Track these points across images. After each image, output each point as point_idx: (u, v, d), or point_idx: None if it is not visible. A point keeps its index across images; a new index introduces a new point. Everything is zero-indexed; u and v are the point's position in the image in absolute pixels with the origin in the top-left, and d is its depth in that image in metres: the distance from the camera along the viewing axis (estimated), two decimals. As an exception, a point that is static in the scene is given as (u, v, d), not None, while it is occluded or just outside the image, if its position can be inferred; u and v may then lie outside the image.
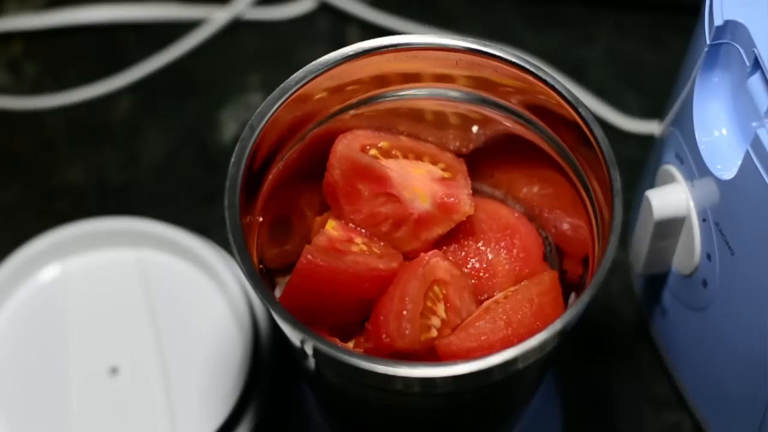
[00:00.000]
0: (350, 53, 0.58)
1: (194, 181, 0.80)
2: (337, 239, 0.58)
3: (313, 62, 0.57)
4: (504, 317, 0.55)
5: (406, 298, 0.55)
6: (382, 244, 0.59)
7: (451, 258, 0.59)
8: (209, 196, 0.79)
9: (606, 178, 0.54)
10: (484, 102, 0.59)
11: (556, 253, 0.61)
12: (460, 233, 0.59)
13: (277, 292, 0.58)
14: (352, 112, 0.60)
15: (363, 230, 0.59)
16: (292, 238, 0.60)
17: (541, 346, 0.51)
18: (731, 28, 0.59)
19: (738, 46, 0.59)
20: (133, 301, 0.72)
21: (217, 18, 0.85)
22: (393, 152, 0.60)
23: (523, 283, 0.58)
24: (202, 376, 0.69)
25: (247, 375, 0.68)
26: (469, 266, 0.59)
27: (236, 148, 0.56)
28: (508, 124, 0.59)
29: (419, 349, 0.55)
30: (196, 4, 0.86)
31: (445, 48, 0.58)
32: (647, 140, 0.77)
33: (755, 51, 0.57)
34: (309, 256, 0.56)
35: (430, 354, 0.55)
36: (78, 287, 0.72)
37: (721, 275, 0.62)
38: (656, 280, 0.69)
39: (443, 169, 0.60)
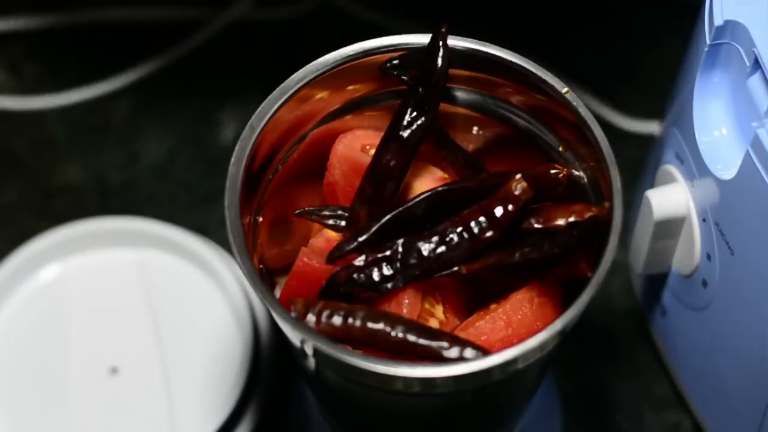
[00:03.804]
0: (350, 53, 0.58)
1: (194, 181, 0.80)
2: (335, 240, 0.58)
3: (313, 62, 0.57)
4: (504, 317, 0.55)
5: (406, 300, 0.55)
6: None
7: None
8: (209, 196, 0.79)
9: (606, 178, 0.54)
10: (484, 102, 0.59)
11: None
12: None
13: (277, 292, 0.58)
14: (352, 112, 0.60)
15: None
16: (292, 238, 0.60)
17: (541, 346, 0.51)
18: (731, 28, 0.59)
19: (738, 46, 0.59)
20: (133, 301, 0.72)
21: (217, 18, 0.85)
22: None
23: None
24: (202, 376, 0.69)
25: (247, 375, 0.68)
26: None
27: (236, 148, 0.56)
28: (508, 124, 0.59)
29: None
30: (196, 4, 0.86)
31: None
32: (647, 140, 0.77)
33: (755, 51, 0.57)
34: (305, 259, 0.56)
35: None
36: (78, 287, 0.72)
37: (721, 275, 0.62)
38: (656, 280, 0.69)
39: (444, 170, 0.60)
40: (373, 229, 0.55)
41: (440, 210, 0.55)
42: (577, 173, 0.57)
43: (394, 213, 0.55)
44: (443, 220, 0.55)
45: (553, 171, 0.55)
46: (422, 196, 0.56)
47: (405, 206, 0.56)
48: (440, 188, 0.56)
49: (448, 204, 0.55)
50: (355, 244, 0.55)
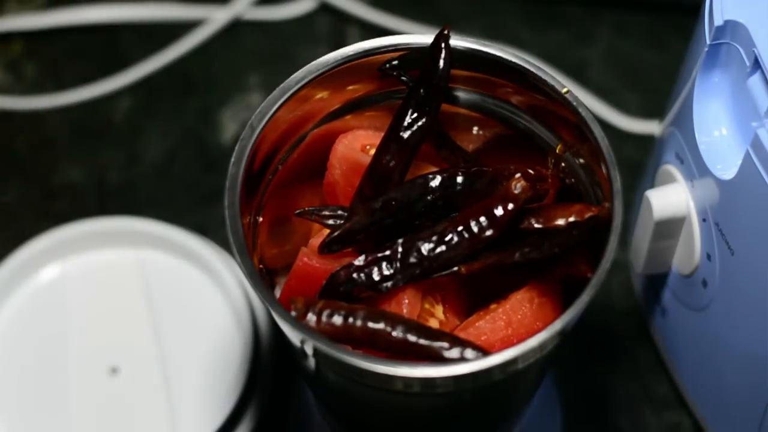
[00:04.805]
0: (350, 53, 0.58)
1: (194, 181, 0.80)
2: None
3: (313, 62, 0.57)
4: (504, 317, 0.55)
5: (406, 300, 0.55)
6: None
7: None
8: (209, 196, 0.79)
9: (606, 178, 0.54)
10: (484, 102, 0.59)
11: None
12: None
13: (277, 292, 0.58)
14: (352, 112, 0.60)
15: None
16: (292, 238, 0.60)
17: (541, 346, 0.51)
18: (731, 28, 0.59)
19: (738, 46, 0.59)
20: (133, 301, 0.72)
21: (217, 18, 0.85)
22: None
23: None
24: (202, 376, 0.69)
25: (247, 375, 0.68)
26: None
27: (236, 148, 0.56)
28: (508, 124, 0.59)
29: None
30: (196, 4, 0.86)
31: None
32: (647, 140, 0.77)
33: (755, 51, 0.57)
34: (305, 259, 0.56)
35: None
36: (78, 287, 0.72)
37: (721, 275, 0.62)
38: (656, 280, 0.69)
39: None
40: (363, 214, 0.56)
41: (432, 198, 0.55)
42: (569, 181, 0.57)
43: (384, 198, 0.56)
44: (443, 220, 0.55)
45: (538, 185, 0.56)
46: (412, 180, 0.56)
47: (394, 191, 0.56)
48: (429, 174, 0.56)
49: (439, 191, 0.55)
50: (342, 230, 0.55)
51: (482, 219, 0.54)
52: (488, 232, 0.54)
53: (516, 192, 0.54)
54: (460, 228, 0.54)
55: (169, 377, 0.69)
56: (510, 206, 0.54)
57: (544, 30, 0.85)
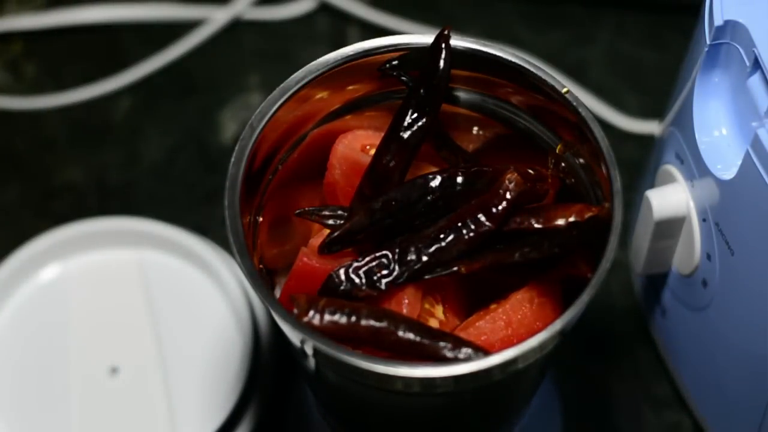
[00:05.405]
0: (350, 53, 0.58)
1: (194, 181, 0.80)
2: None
3: (313, 62, 0.57)
4: (504, 317, 0.55)
5: (406, 300, 0.55)
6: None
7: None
8: (209, 196, 0.79)
9: (606, 178, 0.54)
10: (484, 102, 0.59)
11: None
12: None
13: (277, 292, 0.58)
14: (352, 112, 0.60)
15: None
16: (292, 239, 0.60)
17: (541, 346, 0.51)
18: (731, 28, 0.59)
19: (738, 46, 0.59)
20: (133, 301, 0.72)
21: (217, 18, 0.85)
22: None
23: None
24: (202, 376, 0.69)
25: (247, 375, 0.68)
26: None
27: (236, 148, 0.56)
28: (509, 124, 0.59)
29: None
30: (196, 4, 0.86)
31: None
32: (647, 140, 0.77)
33: (755, 51, 0.57)
34: (305, 259, 0.56)
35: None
36: (78, 287, 0.72)
37: (721, 275, 0.62)
38: (656, 280, 0.69)
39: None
40: (363, 214, 0.56)
41: (432, 199, 0.55)
42: (569, 181, 0.57)
43: (384, 198, 0.56)
44: (441, 219, 0.55)
45: (538, 185, 0.56)
46: (412, 180, 0.56)
47: (394, 191, 0.56)
48: (429, 174, 0.56)
49: (439, 191, 0.56)
50: (342, 230, 0.55)
51: (479, 214, 0.54)
52: (486, 227, 0.54)
53: (510, 185, 0.54)
54: (459, 224, 0.54)
55: (169, 377, 0.69)
56: (506, 199, 0.54)
57: (544, 30, 0.85)
